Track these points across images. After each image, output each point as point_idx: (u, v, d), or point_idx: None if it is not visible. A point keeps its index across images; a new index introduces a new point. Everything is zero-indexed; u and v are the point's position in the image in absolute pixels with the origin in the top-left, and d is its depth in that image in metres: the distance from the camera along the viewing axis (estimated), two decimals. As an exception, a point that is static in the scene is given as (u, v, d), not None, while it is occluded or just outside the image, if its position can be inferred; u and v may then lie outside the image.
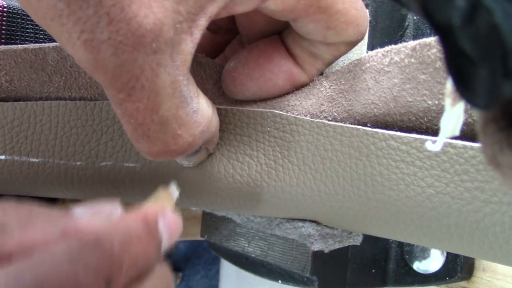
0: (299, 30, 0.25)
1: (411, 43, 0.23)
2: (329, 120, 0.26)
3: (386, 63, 0.24)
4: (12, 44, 0.29)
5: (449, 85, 0.14)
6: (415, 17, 0.31)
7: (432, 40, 0.22)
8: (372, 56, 0.25)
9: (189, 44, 0.20)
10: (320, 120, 0.26)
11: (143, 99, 0.20)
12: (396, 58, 0.23)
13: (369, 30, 0.29)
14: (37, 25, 0.35)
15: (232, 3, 0.21)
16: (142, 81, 0.20)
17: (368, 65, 0.25)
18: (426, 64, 0.22)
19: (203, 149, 0.26)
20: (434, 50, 0.22)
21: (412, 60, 0.22)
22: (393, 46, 0.24)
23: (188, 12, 0.20)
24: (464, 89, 0.11)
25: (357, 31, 0.25)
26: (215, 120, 0.25)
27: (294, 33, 0.26)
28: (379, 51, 0.24)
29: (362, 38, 0.26)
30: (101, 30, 0.19)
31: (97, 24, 0.18)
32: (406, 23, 0.31)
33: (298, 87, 0.27)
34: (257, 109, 0.27)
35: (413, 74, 0.23)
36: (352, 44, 0.26)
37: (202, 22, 0.20)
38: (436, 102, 0.23)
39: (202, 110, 0.23)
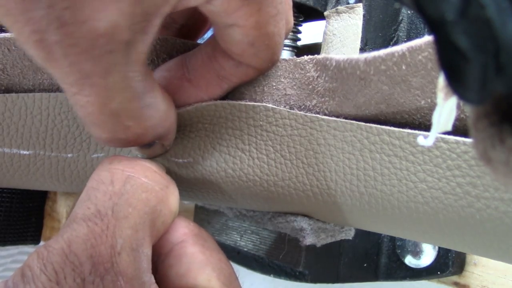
0: (225, 36, 0.24)
1: (398, 50, 0.22)
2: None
3: (371, 72, 0.23)
4: (5, 32, 0.29)
5: (441, 80, 0.14)
6: (409, 11, 0.31)
7: (422, 42, 0.21)
8: (350, 63, 0.24)
9: (144, 43, 0.20)
10: (314, 115, 0.25)
11: (93, 94, 0.20)
12: (383, 67, 0.23)
13: (363, 24, 0.29)
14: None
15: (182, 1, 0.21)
16: (93, 79, 0.20)
17: (349, 71, 0.24)
18: (417, 68, 0.22)
19: (158, 144, 0.26)
20: (425, 54, 0.21)
21: (403, 67, 0.22)
22: (374, 54, 0.23)
23: (143, 13, 0.19)
24: (456, 84, 0.11)
25: (272, 58, 0.25)
26: (171, 116, 0.24)
27: (204, 54, 0.26)
28: (359, 59, 0.23)
29: (271, 67, 0.26)
30: (52, 32, 0.18)
31: (48, 26, 0.18)
32: (400, 17, 0.31)
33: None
34: (249, 103, 0.27)
35: (404, 78, 0.22)
36: (261, 71, 0.26)
37: (156, 22, 0.20)
38: (429, 100, 0.23)
39: (156, 105, 0.23)
